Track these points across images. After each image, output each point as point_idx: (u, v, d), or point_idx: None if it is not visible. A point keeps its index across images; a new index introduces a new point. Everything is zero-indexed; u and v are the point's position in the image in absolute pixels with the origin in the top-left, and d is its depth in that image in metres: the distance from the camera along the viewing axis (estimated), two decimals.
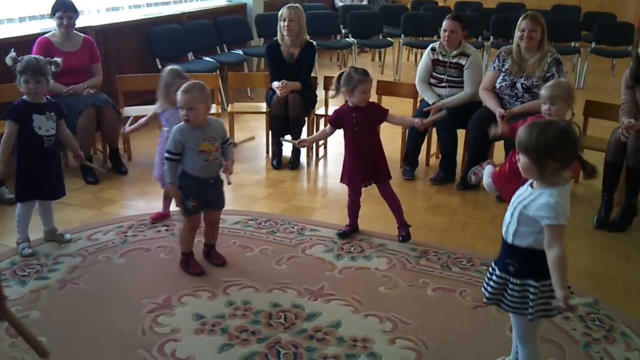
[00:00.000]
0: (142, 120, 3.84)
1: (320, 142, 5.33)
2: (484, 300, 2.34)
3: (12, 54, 3.37)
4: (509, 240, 2.20)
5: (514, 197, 2.21)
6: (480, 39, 8.62)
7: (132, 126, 3.85)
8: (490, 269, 2.31)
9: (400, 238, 3.62)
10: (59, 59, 3.54)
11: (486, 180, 3.28)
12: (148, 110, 5.07)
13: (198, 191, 3.14)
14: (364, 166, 3.56)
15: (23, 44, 4.86)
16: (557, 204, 2.03)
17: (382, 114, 3.57)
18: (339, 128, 3.59)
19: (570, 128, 2.09)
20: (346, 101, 3.53)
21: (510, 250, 2.21)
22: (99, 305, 2.96)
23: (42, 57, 3.45)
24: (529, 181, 2.17)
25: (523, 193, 2.17)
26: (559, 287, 2.04)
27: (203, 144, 3.08)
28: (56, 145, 3.43)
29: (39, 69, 3.31)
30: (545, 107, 3.29)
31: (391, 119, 3.62)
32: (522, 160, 2.11)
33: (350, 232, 3.74)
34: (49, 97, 3.46)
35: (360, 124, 3.49)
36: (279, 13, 4.97)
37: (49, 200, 3.54)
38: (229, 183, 3.31)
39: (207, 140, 3.10)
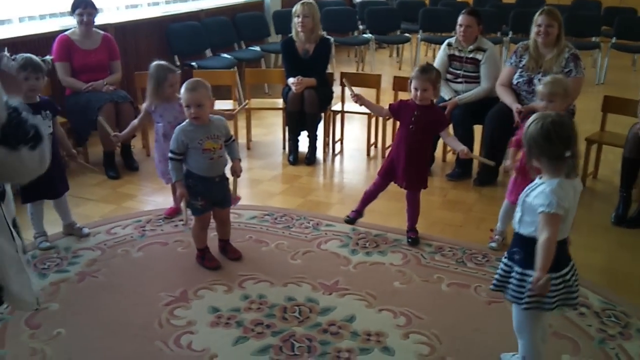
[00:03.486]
0: (135, 122, 3.83)
1: (337, 137, 5.35)
2: (490, 286, 2.41)
3: (5, 52, 3.34)
4: (516, 228, 2.28)
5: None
6: (499, 34, 8.55)
7: (125, 131, 3.86)
8: (503, 257, 2.37)
9: (410, 240, 3.61)
10: (49, 57, 3.55)
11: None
12: None
13: (205, 191, 3.15)
14: (402, 166, 3.50)
15: (43, 41, 4.93)
16: (553, 192, 2.10)
17: (441, 124, 3.46)
18: (396, 119, 3.56)
19: (559, 126, 2.12)
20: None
21: (516, 238, 2.29)
22: (117, 298, 3.01)
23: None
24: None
25: (532, 183, 2.25)
26: (537, 268, 2.10)
27: (207, 143, 3.08)
28: (55, 143, 3.40)
29: (39, 66, 3.30)
30: (542, 104, 3.26)
31: (445, 136, 3.51)
32: None
33: (356, 218, 3.78)
34: (41, 96, 3.43)
35: (417, 123, 3.42)
36: (293, 9, 4.99)
37: (53, 199, 3.55)
38: (236, 199, 3.32)
39: (210, 138, 3.09)
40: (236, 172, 3.24)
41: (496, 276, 2.36)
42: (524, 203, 2.22)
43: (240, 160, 3.28)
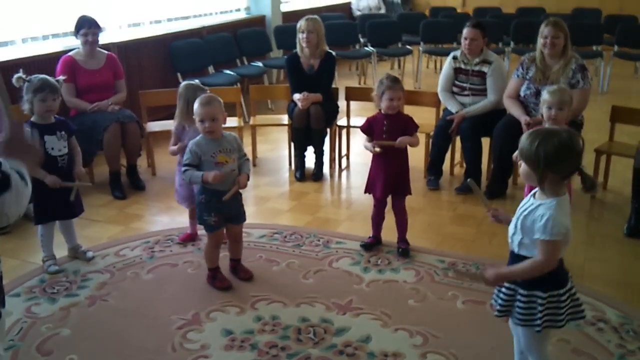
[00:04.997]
0: (174, 148, 3.60)
1: (344, 152, 5.33)
2: (495, 313, 2.31)
3: (20, 74, 3.35)
4: (515, 250, 2.17)
5: (519, 206, 2.19)
6: (500, 44, 8.56)
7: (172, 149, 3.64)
8: None
9: (400, 250, 3.61)
10: (62, 78, 3.54)
11: None
12: (171, 125, 5.13)
13: (218, 205, 3.12)
14: (386, 176, 3.53)
15: (47, 61, 4.91)
16: (552, 218, 2.01)
17: (411, 128, 3.52)
18: (370, 135, 3.57)
19: (573, 140, 2.04)
20: (380, 110, 3.52)
21: (517, 261, 2.16)
22: (128, 322, 2.97)
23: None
24: (534, 190, 2.17)
25: (527, 202, 2.16)
26: (509, 271, 2.12)
27: (219, 156, 3.08)
28: (70, 164, 3.41)
29: (55, 87, 3.32)
30: (551, 112, 3.27)
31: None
32: (522, 167, 2.12)
33: (374, 244, 3.72)
34: (56, 116, 3.44)
35: (389, 132, 3.48)
36: (297, 25, 4.98)
37: (68, 219, 3.54)
38: (224, 199, 3.09)
39: (223, 152, 3.10)
40: (239, 184, 3.13)
41: (499, 301, 2.26)
42: (523, 226, 2.11)
43: (248, 176, 3.21)
